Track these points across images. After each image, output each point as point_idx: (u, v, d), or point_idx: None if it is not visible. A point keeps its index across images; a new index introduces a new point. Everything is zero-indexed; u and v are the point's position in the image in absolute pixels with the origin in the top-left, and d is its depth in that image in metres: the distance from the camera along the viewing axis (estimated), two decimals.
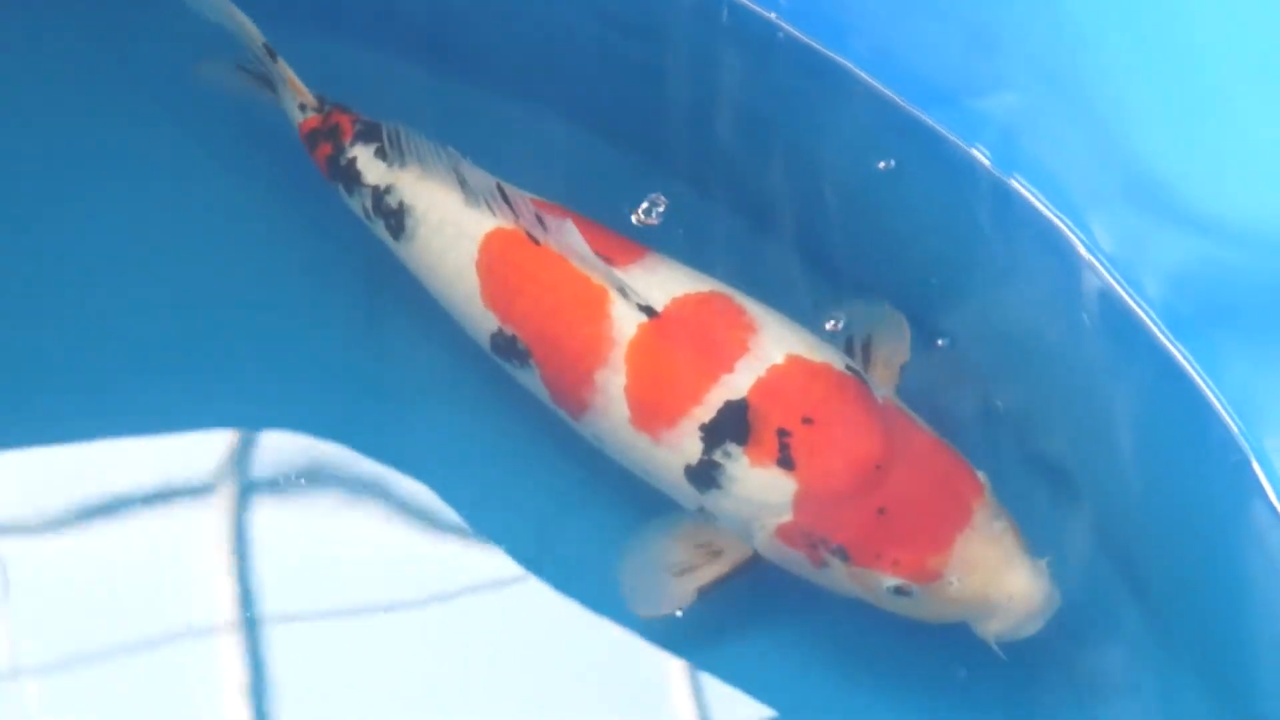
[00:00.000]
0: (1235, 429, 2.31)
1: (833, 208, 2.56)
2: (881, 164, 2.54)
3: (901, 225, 2.54)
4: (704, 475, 2.12)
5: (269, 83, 2.45)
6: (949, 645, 2.12)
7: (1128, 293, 2.41)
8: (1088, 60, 2.33)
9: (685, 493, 2.16)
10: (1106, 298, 2.42)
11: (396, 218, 2.30)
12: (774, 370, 2.11)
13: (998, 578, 2.03)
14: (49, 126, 2.58)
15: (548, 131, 2.62)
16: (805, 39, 2.63)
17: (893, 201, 2.54)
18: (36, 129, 2.58)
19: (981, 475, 2.10)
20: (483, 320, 2.25)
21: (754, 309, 2.19)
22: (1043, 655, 2.13)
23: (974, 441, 2.24)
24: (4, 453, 2.35)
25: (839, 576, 2.10)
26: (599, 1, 2.74)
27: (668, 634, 2.22)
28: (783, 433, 2.08)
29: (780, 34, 2.64)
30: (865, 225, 2.54)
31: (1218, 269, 2.30)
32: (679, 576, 2.17)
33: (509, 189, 2.19)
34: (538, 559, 2.29)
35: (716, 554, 2.17)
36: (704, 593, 2.16)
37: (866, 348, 2.28)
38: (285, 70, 2.41)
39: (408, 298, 2.38)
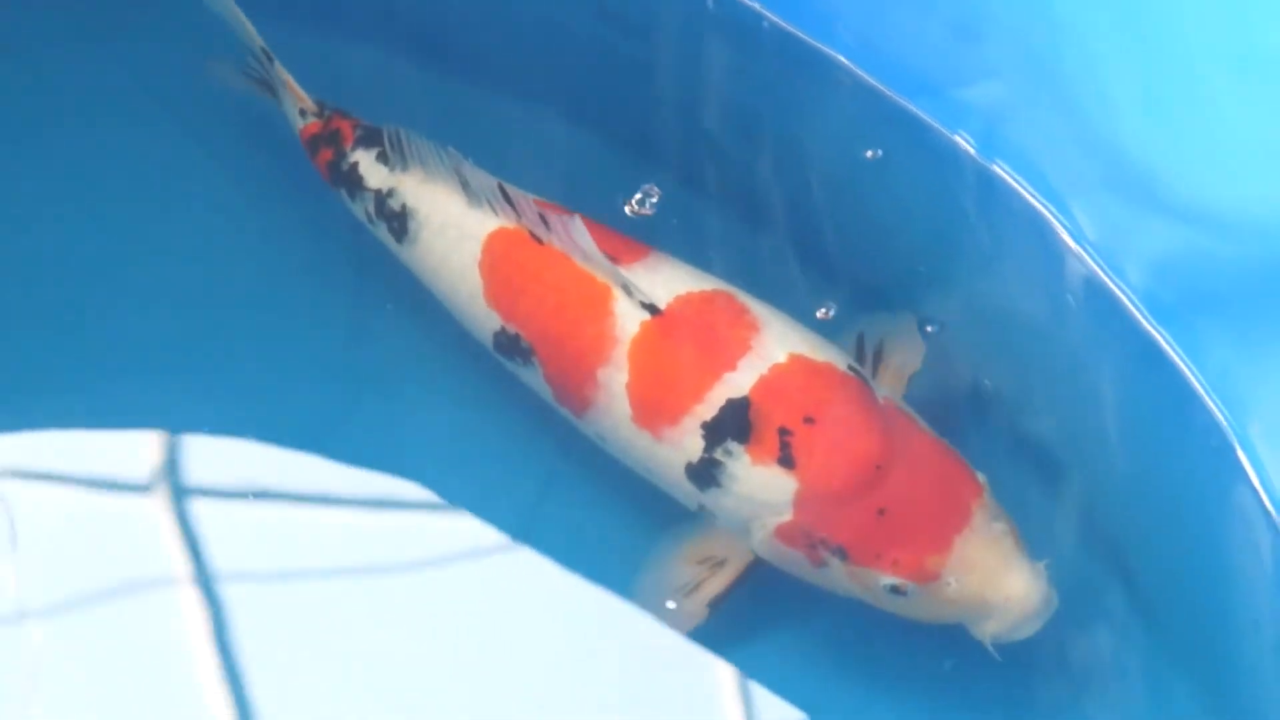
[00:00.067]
0: (1217, 413, 2.33)
1: (821, 196, 2.57)
2: (869, 153, 2.55)
3: (889, 213, 2.55)
4: (705, 473, 2.12)
5: (270, 87, 2.45)
6: (938, 638, 2.12)
7: (1111, 279, 2.42)
8: (1070, 50, 2.34)
9: (686, 491, 2.16)
10: (1090, 284, 2.44)
11: (399, 221, 2.30)
12: (776, 369, 2.11)
13: (995, 579, 2.04)
14: (48, 125, 2.58)
15: (538, 125, 2.63)
16: (791, 29, 2.64)
17: (880, 190, 2.55)
18: (36, 128, 2.57)
19: (981, 476, 2.10)
20: (486, 320, 2.26)
21: (757, 308, 2.19)
22: (1029, 638, 2.11)
23: (962, 426, 2.28)
24: (3, 448, 2.35)
25: (838, 576, 2.10)
26: None
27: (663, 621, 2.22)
28: (784, 431, 2.08)
29: (766, 23, 2.65)
30: (853, 214, 2.55)
31: (1199, 255, 2.32)
32: (688, 596, 2.18)
33: (511, 189, 2.19)
34: (531, 550, 2.30)
35: (719, 565, 2.18)
36: (714, 605, 2.17)
37: (878, 353, 2.28)
38: (284, 75, 2.41)
39: (402, 294, 2.38)
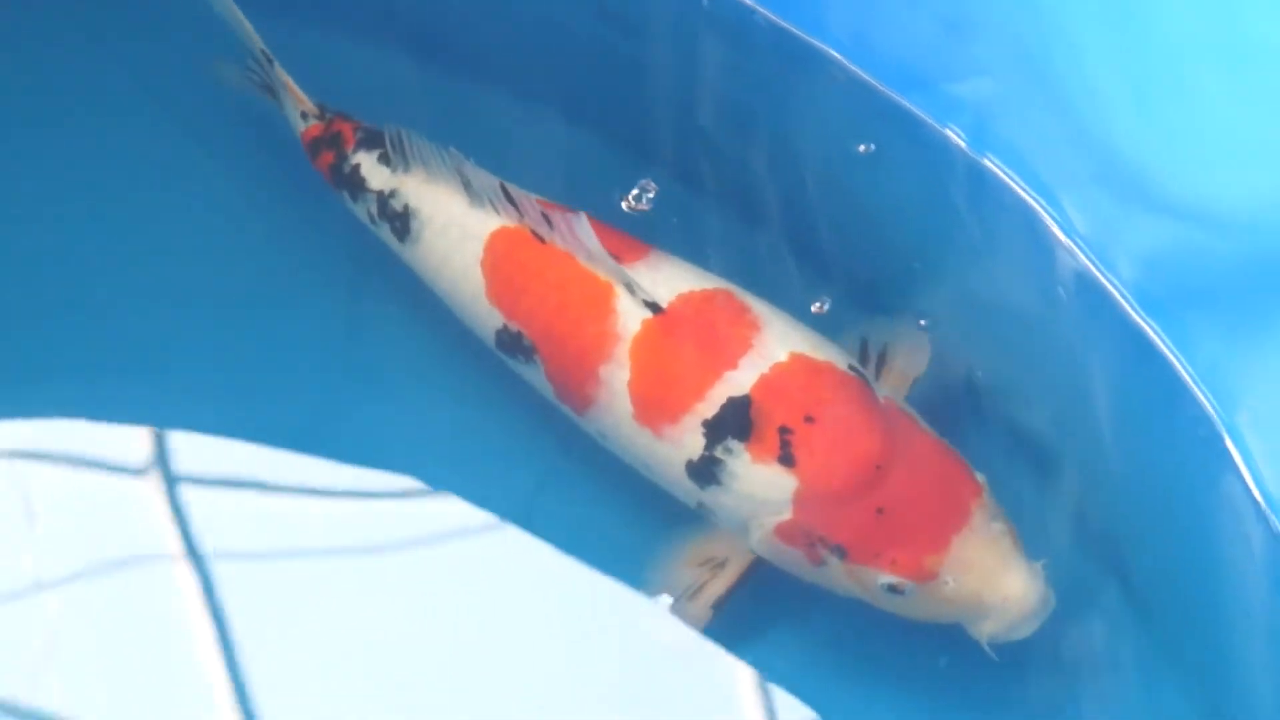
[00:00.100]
0: (1206, 404, 2.34)
1: (815, 191, 2.58)
2: (861, 147, 2.55)
3: (882, 207, 2.55)
4: (705, 471, 2.13)
5: (271, 90, 2.46)
6: (937, 636, 2.13)
7: (1101, 272, 2.43)
8: (1060, 45, 2.35)
9: (686, 489, 2.17)
10: (1080, 277, 2.44)
11: (402, 221, 2.31)
12: (777, 368, 2.11)
13: (993, 579, 2.04)
14: (49, 124, 2.58)
15: (535, 122, 2.63)
16: (784, 24, 2.65)
17: (873, 184, 2.56)
18: (36, 127, 2.58)
19: (980, 476, 2.11)
20: (488, 318, 2.26)
21: (758, 307, 2.19)
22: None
23: (953, 417, 2.27)
24: (17, 433, 2.37)
25: (836, 575, 2.10)
26: None
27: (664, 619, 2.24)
28: (784, 430, 2.08)
29: (759, 19, 2.66)
30: (846, 208, 2.56)
31: (1188, 249, 2.33)
32: (692, 600, 2.19)
33: (513, 188, 2.20)
34: (528, 545, 2.31)
35: (720, 566, 2.19)
36: (718, 606, 2.18)
37: (882, 357, 2.29)
38: (284, 78, 2.42)
39: (397, 288, 2.40)
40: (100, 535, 2.30)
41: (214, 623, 2.24)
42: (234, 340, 2.44)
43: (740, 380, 2.11)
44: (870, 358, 2.28)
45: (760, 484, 2.10)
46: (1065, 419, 2.41)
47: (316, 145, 2.41)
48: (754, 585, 2.19)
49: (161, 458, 2.34)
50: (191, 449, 2.35)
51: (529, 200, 2.19)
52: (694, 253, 2.29)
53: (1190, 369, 2.36)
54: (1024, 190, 2.50)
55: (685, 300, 2.16)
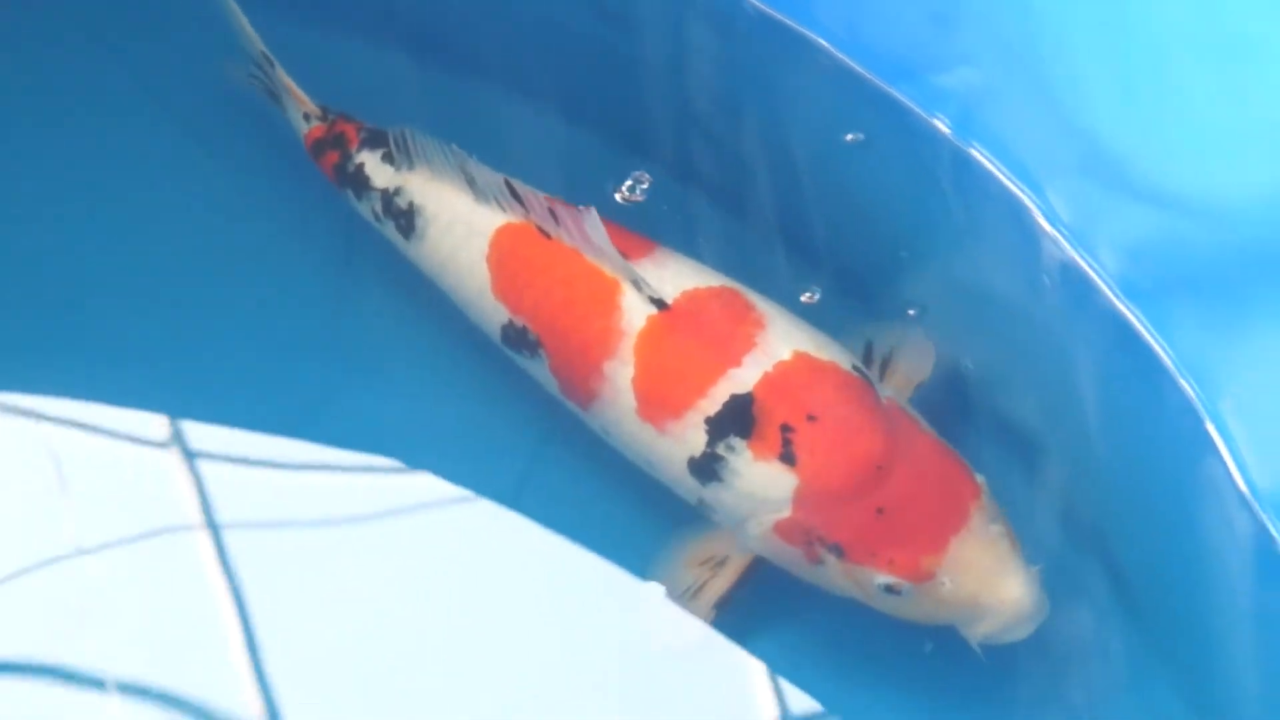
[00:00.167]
0: (1189, 390, 2.35)
1: (805, 180, 2.58)
2: (849, 136, 2.56)
3: (870, 197, 2.56)
4: (706, 468, 2.13)
5: (272, 92, 2.46)
6: (927, 630, 2.14)
7: (1085, 260, 2.45)
8: (1045, 35, 2.37)
9: (687, 485, 2.17)
10: (1064, 265, 2.46)
11: (407, 218, 2.32)
12: (781, 366, 2.11)
13: (990, 581, 2.04)
14: (50, 121, 2.59)
15: (526, 115, 2.64)
16: (773, 13, 2.66)
17: (861, 174, 2.56)
18: (38, 123, 2.59)
19: (980, 478, 2.11)
20: (494, 313, 2.26)
21: (763, 305, 2.19)
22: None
23: (940, 405, 2.28)
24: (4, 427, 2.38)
25: (833, 573, 2.10)
26: None
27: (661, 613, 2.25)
28: (786, 428, 2.08)
29: (749, 7, 2.67)
30: (836, 197, 2.56)
31: (1171, 238, 2.34)
32: (693, 599, 2.19)
33: (518, 185, 2.20)
34: (513, 519, 2.32)
35: (721, 564, 2.19)
36: (720, 605, 2.19)
37: (886, 361, 2.29)
38: (286, 80, 2.42)
39: (397, 282, 2.41)
40: (127, 504, 2.33)
41: (228, 588, 2.27)
42: (236, 331, 2.46)
43: (744, 378, 2.11)
44: (875, 360, 2.28)
45: (761, 481, 2.10)
46: (1050, 406, 2.42)
47: (320, 146, 2.42)
48: (755, 584, 2.19)
49: (183, 435, 2.37)
50: (207, 428, 2.37)
51: (535, 196, 2.19)
52: (684, 243, 2.30)
53: (1173, 356, 2.37)
54: (1009, 180, 2.52)
55: (690, 297, 2.17)
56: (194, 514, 2.31)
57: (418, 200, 2.31)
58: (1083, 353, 2.47)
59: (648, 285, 2.14)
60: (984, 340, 2.44)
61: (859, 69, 2.63)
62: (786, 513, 2.10)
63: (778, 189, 2.59)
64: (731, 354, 2.12)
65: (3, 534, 2.29)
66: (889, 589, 2.06)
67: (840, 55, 2.64)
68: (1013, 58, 2.44)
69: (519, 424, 2.38)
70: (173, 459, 2.35)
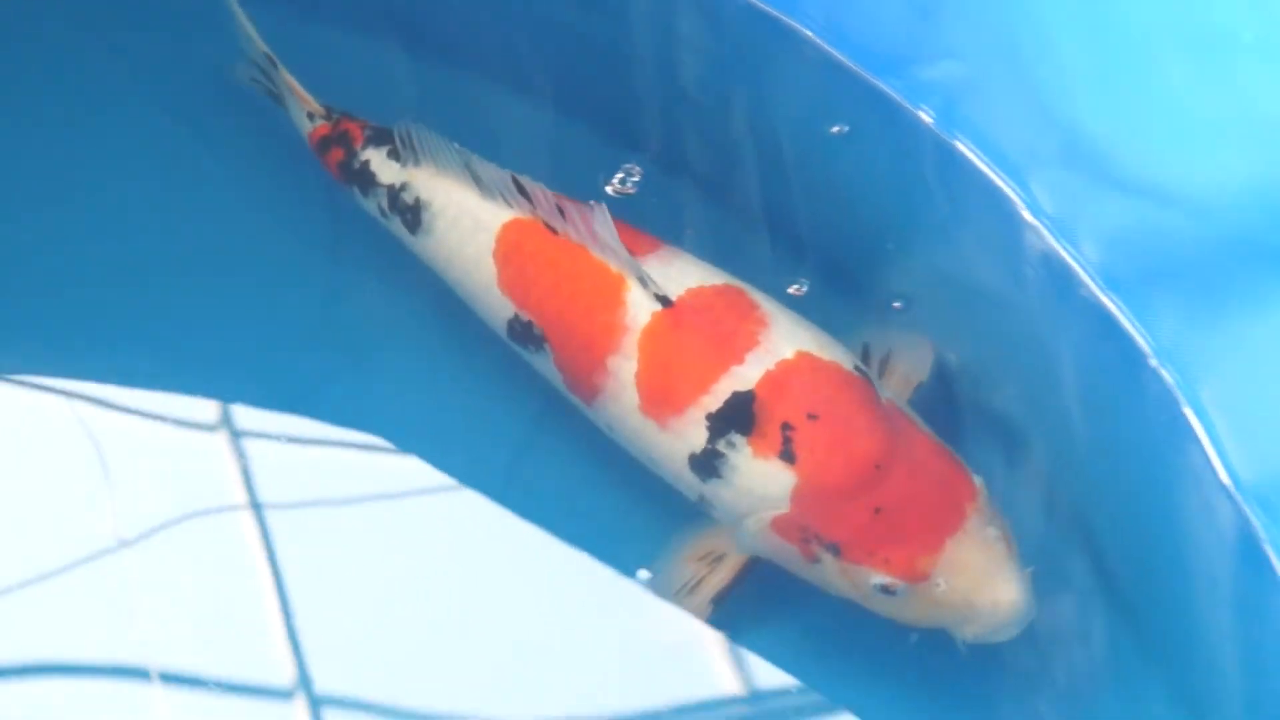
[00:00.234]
0: (1169, 379, 2.36)
1: (792, 172, 2.59)
2: (835, 128, 2.57)
3: (855, 189, 2.57)
4: (707, 464, 2.13)
5: (275, 93, 2.47)
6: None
7: (1066, 251, 2.45)
8: (1027, 28, 2.38)
9: (688, 481, 2.17)
10: (1046, 256, 2.46)
11: (413, 213, 2.32)
12: (783, 365, 2.12)
13: (984, 583, 2.04)
14: (52, 118, 2.61)
15: (514, 108, 2.64)
16: (760, 5, 2.67)
17: (847, 166, 2.57)
18: (39, 120, 2.60)
19: (978, 480, 2.11)
20: (500, 308, 2.27)
21: (767, 304, 2.20)
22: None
23: (928, 396, 2.30)
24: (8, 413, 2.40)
25: (830, 572, 2.10)
26: None
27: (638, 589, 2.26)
28: (786, 427, 2.09)
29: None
30: (821, 189, 2.57)
31: (1151, 229, 2.35)
32: (690, 594, 2.19)
33: (525, 181, 2.20)
34: (504, 501, 2.32)
35: (719, 560, 2.19)
36: (718, 601, 2.19)
37: (885, 361, 2.30)
38: (289, 79, 2.43)
39: (400, 277, 2.43)
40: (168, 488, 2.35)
41: (232, 569, 2.29)
42: (234, 322, 2.47)
43: (746, 375, 2.11)
44: (873, 361, 2.29)
45: (760, 479, 2.11)
46: (1031, 395, 2.42)
47: (325, 143, 2.42)
48: (752, 580, 2.19)
49: (228, 418, 2.39)
50: (206, 415, 2.39)
51: (542, 192, 2.20)
52: (673, 235, 2.30)
53: (1154, 346, 2.38)
54: (993, 171, 2.52)
55: (695, 294, 2.18)
56: (192, 496, 2.34)
57: (424, 196, 2.32)
58: (1064, 342, 2.47)
59: (653, 282, 2.15)
60: (966, 330, 2.44)
61: (845, 61, 2.64)
62: (784, 510, 2.11)
63: (765, 181, 2.59)
64: (734, 351, 2.13)
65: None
66: (884, 589, 2.07)
67: (826, 47, 2.65)
68: (996, 50, 2.46)
69: (517, 416, 2.39)
70: (176, 447, 2.38)
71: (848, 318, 2.34)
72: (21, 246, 2.51)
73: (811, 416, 2.10)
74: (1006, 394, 2.43)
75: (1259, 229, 2.21)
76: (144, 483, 2.34)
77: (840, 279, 2.50)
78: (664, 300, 2.15)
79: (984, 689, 2.21)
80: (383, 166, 2.36)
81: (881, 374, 2.29)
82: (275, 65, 2.44)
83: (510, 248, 2.25)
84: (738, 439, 2.11)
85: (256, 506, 2.32)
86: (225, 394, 2.40)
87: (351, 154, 2.39)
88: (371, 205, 2.39)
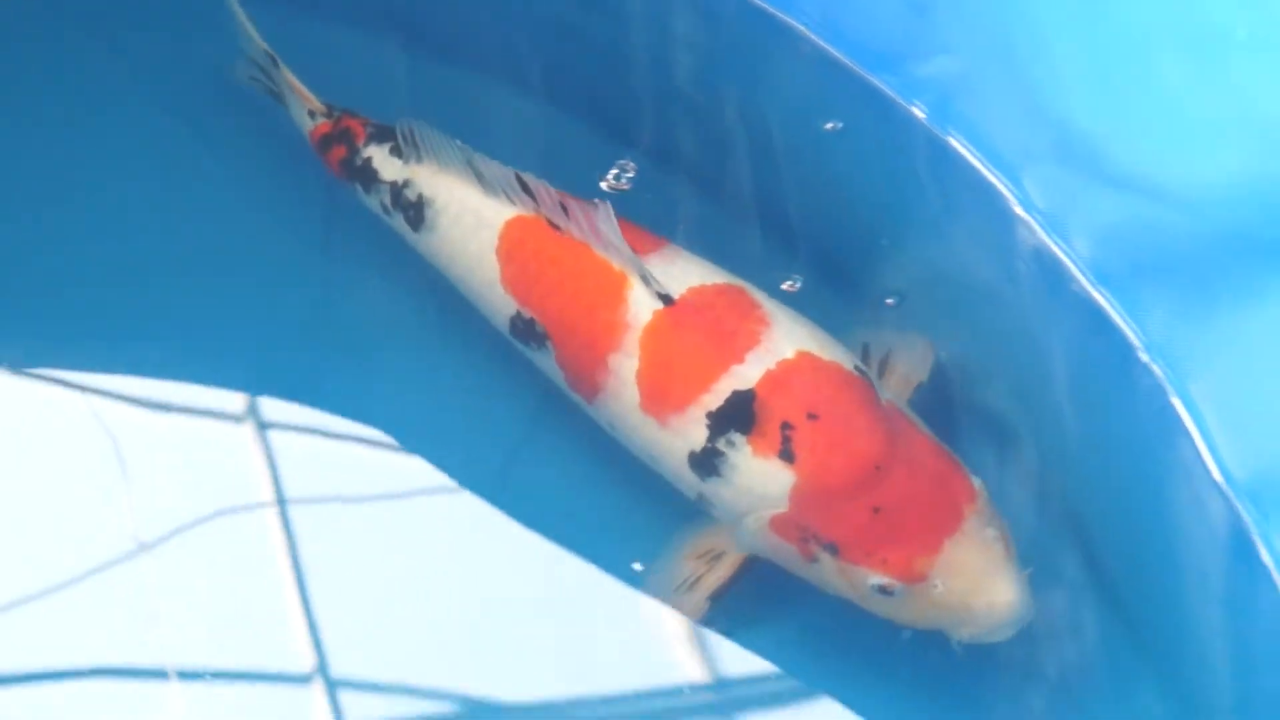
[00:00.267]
0: (1159, 373, 2.36)
1: (786, 168, 2.60)
2: (829, 125, 2.58)
3: (849, 184, 2.57)
4: (706, 462, 2.14)
5: (275, 92, 2.47)
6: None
7: (1058, 246, 2.46)
8: (1021, 24, 2.39)
9: (687, 480, 2.17)
10: (1038, 251, 2.47)
11: (416, 210, 2.32)
12: (783, 364, 2.12)
13: (981, 585, 2.04)
14: (52, 118, 2.61)
15: (509, 104, 2.65)
16: (756, 1, 2.67)
17: (841, 161, 2.58)
18: (40, 119, 2.60)
19: (977, 481, 2.11)
20: (502, 305, 2.28)
21: (768, 304, 2.20)
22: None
23: (925, 396, 2.31)
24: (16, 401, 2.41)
25: (827, 571, 2.10)
26: None
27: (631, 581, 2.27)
28: (786, 426, 2.09)
29: None
30: (815, 185, 2.58)
31: (1142, 224, 2.36)
32: (688, 592, 2.20)
33: (529, 178, 2.21)
34: (504, 499, 2.33)
35: (718, 558, 2.19)
36: (715, 598, 2.19)
37: (885, 361, 2.30)
38: (290, 77, 2.43)
39: (384, 267, 2.44)
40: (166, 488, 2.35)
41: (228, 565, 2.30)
42: (231, 318, 2.48)
43: (746, 374, 2.12)
44: (872, 361, 2.29)
45: (759, 477, 2.11)
46: (1022, 390, 2.43)
47: (327, 141, 2.42)
48: (750, 579, 2.20)
49: (256, 409, 2.40)
50: (205, 410, 2.40)
51: (546, 189, 2.20)
52: (667, 231, 2.31)
53: (1144, 340, 2.39)
54: (985, 167, 2.53)
55: (697, 293, 2.18)
56: (195, 494, 2.35)
57: (427, 192, 2.32)
58: (1055, 337, 2.48)
59: (655, 280, 2.15)
60: (958, 325, 2.45)
61: (839, 57, 2.64)
62: (783, 509, 2.11)
63: (760, 177, 2.60)
64: (735, 350, 2.13)
65: None
66: (882, 589, 2.07)
67: (821, 43, 2.65)
68: (989, 46, 2.47)
69: (517, 414, 2.40)
70: (176, 447, 2.38)
71: (841, 313, 2.34)
72: (21, 246, 2.51)
73: (811, 416, 2.10)
74: (997, 388, 2.43)
75: (1249, 224, 2.22)
76: (142, 483, 2.34)
77: (834, 274, 2.50)
78: (666, 298, 2.16)
79: (977, 683, 2.22)
80: (385, 163, 2.37)
81: (882, 374, 2.29)
82: (276, 64, 2.44)
83: (513, 245, 2.26)
84: (737, 438, 2.12)
85: (257, 505, 2.33)
86: (225, 393, 2.40)
87: (354, 151, 2.39)
88: (373, 202, 2.39)
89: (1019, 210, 2.51)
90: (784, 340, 2.15)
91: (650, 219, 2.33)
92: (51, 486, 2.34)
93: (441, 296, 2.39)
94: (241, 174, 2.58)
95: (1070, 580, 2.32)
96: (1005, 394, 2.44)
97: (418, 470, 2.36)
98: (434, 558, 2.32)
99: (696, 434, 2.14)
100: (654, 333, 2.16)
